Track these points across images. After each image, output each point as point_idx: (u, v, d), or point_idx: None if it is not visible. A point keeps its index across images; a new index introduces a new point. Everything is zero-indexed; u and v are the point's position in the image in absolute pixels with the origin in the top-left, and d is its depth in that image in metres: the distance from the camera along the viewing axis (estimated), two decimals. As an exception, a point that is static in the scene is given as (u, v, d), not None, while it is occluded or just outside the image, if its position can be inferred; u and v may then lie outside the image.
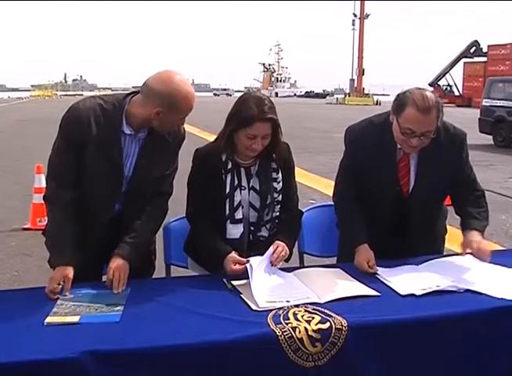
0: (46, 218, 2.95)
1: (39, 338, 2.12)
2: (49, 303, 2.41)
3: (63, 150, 2.75)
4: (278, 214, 3.01)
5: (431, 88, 58.86)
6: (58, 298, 2.48)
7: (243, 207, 2.94)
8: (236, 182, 2.93)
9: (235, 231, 2.93)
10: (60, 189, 2.75)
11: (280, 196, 2.99)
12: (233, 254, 2.78)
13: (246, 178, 2.96)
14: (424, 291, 2.53)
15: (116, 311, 2.36)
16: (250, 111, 2.76)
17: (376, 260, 2.87)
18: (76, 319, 2.27)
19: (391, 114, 2.92)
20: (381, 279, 2.72)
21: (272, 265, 2.76)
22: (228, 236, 2.92)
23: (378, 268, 2.81)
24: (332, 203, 3.30)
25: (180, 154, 2.94)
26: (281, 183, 2.99)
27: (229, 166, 2.91)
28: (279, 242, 2.85)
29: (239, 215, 2.93)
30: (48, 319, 2.25)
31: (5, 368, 1.95)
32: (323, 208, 3.72)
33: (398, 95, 2.90)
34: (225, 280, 2.68)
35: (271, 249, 2.80)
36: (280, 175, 2.99)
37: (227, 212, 2.91)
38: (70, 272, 2.58)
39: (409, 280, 2.70)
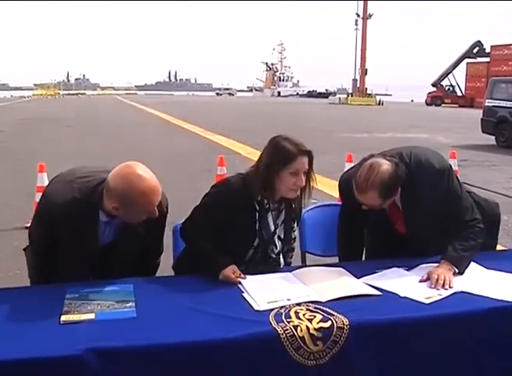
0: None
1: (44, 335, 2.14)
2: (56, 300, 2.43)
3: (37, 228, 2.87)
4: (290, 260, 3.16)
5: (435, 88, 58.86)
6: None
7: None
8: (276, 218, 3.02)
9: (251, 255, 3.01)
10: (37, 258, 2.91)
11: (295, 244, 3.13)
12: (234, 266, 2.79)
13: (273, 225, 3.01)
14: (430, 300, 2.52)
15: (129, 307, 2.38)
16: (288, 148, 2.86)
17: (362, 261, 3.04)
18: (92, 316, 2.29)
19: None
20: (372, 284, 2.68)
21: None
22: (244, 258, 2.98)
23: (365, 277, 2.76)
24: (334, 202, 3.44)
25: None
26: (296, 232, 3.13)
27: (266, 206, 2.96)
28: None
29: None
30: (64, 318, 2.26)
31: (10, 364, 1.97)
32: (325, 208, 3.73)
33: (363, 158, 2.95)
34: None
35: None
36: (296, 225, 3.11)
37: (271, 250, 3.00)
38: None
39: (405, 285, 2.68)
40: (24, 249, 3.02)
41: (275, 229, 3.00)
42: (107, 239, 2.83)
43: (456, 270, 2.82)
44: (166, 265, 3.30)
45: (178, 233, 3.25)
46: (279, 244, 3.02)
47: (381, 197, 2.84)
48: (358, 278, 2.74)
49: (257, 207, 2.94)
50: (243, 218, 2.92)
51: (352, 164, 3.60)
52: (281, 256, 3.03)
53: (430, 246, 3.03)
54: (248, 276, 2.73)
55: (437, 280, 2.69)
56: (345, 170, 3.36)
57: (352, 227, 3.26)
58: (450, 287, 2.66)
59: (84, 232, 2.73)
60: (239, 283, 2.68)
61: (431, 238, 3.06)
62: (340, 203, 3.50)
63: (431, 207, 3.02)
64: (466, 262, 2.90)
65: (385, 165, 2.83)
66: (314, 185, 3.01)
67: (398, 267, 2.89)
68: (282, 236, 3.04)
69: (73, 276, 2.72)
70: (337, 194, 3.42)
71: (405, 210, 3.06)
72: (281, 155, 2.86)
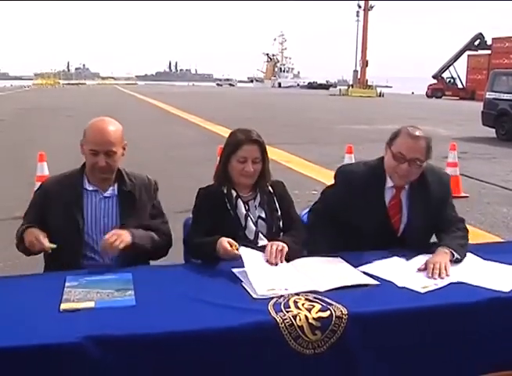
0: None
1: (44, 323, 2.14)
2: (55, 288, 2.44)
3: (31, 204, 3.13)
4: None
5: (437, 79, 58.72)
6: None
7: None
8: (247, 207, 3.13)
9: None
10: None
11: (281, 222, 3.18)
12: (225, 238, 2.86)
13: (244, 209, 3.13)
14: (426, 289, 2.53)
15: (128, 295, 2.39)
16: (237, 137, 3.10)
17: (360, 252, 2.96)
18: (91, 304, 2.30)
19: (385, 148, 3.16)
20: (373, 274, 2.70)
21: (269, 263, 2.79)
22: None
23: (363, 265, 2.79)
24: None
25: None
26: (279, 212, 3.18)
27: (234, 194, 3.11)
28: (273, 241, 2.93)
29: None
30: (63, 306, 2.27)
31: (9, 352, 1.98)
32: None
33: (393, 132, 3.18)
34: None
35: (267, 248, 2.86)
36: (277, 205, 3.20)
37: (249, 231, 3.08)
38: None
39: (403, 274, 2.70)
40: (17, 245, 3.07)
41: (252, 211, 3.13)
42: (105, 213, 3.04)
43: (455, 255, 2.86)
44: (178, 258, 3.33)
45: (188, 226, 3.29)
46: (258, 224, 3.12)
47: (426, 151, 3.07)
48: (356, 267, 2.75)
49: (226, 200, 3.10)
50: (220, 214, 3.08)
51: (352, 156, 3.64)
52: (260, 235, 3.09)
53: (420, 246, 3.06)
54: (247, 260, 2.72)
55: (433, 268, 2.71)
56: (346, 163, 3.39)
57: (336, 220, 3.21)
58: (447, 275, 2.68)
59: (71, 199, 3.00)
60: (239, 257, 2.74)
61: (422, 238, 3.18)
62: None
63: (434, 208, 3.16)
64: (462, 250, 2.94)
65: None
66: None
67: (398, 256, 2.91)
68: (263, 217, 3.14)
69: (66, 254, 2.84)
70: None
71: (410, 206, 3.17)
72: (231, 143, 3.12)
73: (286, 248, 2.83)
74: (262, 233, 3.10)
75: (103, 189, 3.05)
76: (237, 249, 2.79)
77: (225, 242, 2.82)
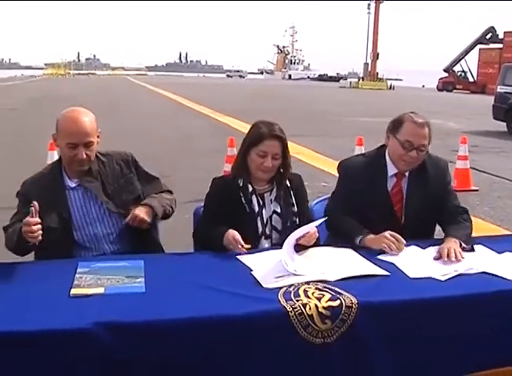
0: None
1: (54, 308, 2.17)
2: (67, 274, 2.46)
3: (17, 207, 3.01)
4: None
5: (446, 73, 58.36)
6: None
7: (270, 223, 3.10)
8: (261, 202, 3.10)
9: (267, 244, 3.07)
10: None
11: (297, 219, 3.12)
12: (235, 232, 2.89)
13: (257, 205, 3.11)
14: (447, 277, 2.55)
15: (138, 282, 2.41)
16: (260, 130, 3.03)
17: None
18: (101, 290, 2.31)
19: (387, 136, 3.23)
20: (388, 260, 2.74)
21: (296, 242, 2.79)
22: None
23: (381, 255, 2.82)
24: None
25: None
26: (296, 207, 3.15)
27: (250, 189, 3.08)
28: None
29: (268, 230, 3.09)
30: (73, 291, 2.29)
31: (19, 336, 2.01)
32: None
33: (393, 119, 3.26)
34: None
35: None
36: (294, 200, 3.16)
37: (260, 229, 3.06)
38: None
39: (419, 263, 2.72)
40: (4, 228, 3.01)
41: (267, 205, 3.11)
42: (93, 202, 3.01)
43: (462, 244, 2.87)
44: (188, 247, 3.34)
45: (198, 215, 3.30)
46: (273, 218, 3.10)
47: (429, 136, 3.12)
48: (374, 256, 2.78)
49: (241, 194, 3.08)
50: (234, 207, 3.05)
51: (363, 148, 3.67)
52: (274, 231, 3.09)
53: (422, 234, 3.15)
54: (256, 254, 2.77)
55: (448, 253, 2.75)
56: (352, 156, 3.49)
57: (349, 211, 3.19)
58: (462, 257, 2.74)
59: (54, 199, 2.94)
60: (244, 250, 2.80)
61: (424, 225, 3.21)
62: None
63: (433, 193, 3.20)
64: (469, 240, 2.98)
65: None
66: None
67: (414, 246, 2.93)
68: (278, 211, 3.11)
69: (56, 248, 2.80)
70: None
71: (409, 193, 3.20)
72: (253, 135, 3.06)
73: (316, 236, 2.89)
74: (276, 229, 3.10)
75: (86, 180, 3.00)
76: (244, 247, 2.83)
77: (231, 234, 2.87)
